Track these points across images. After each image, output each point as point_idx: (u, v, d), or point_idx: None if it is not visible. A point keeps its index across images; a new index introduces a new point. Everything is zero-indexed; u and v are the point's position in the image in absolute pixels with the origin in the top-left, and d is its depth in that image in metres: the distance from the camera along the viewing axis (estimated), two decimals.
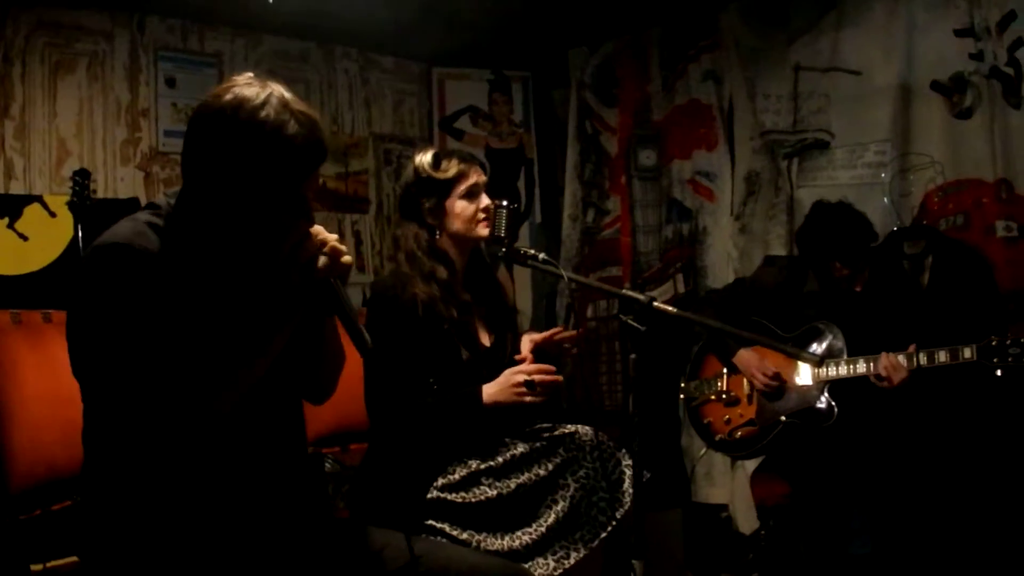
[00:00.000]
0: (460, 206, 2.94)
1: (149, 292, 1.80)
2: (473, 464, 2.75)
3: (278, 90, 1.90)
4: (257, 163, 1.84)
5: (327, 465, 3.90)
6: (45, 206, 4.46)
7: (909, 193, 4.47)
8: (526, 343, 3.09)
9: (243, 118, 1.84)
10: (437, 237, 2.95)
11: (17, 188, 4.47)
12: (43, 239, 4.40)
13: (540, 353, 3.07)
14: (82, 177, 4.08)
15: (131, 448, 1.88)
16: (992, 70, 4.19)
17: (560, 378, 2.82)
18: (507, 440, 2.84)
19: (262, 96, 1.87)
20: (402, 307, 2.81)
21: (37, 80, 4.59)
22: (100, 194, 4.58)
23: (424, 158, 2.95)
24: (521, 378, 2.78)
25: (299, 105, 1.90)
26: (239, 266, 1.94)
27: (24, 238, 4.38)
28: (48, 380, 3.16)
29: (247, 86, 1.89)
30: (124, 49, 4.85)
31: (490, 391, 2.79)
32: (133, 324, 1.78)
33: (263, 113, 1.84)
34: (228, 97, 1.86)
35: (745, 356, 3.82)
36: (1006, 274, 4.10)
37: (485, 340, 3.01)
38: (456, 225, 2.95)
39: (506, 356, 3.01)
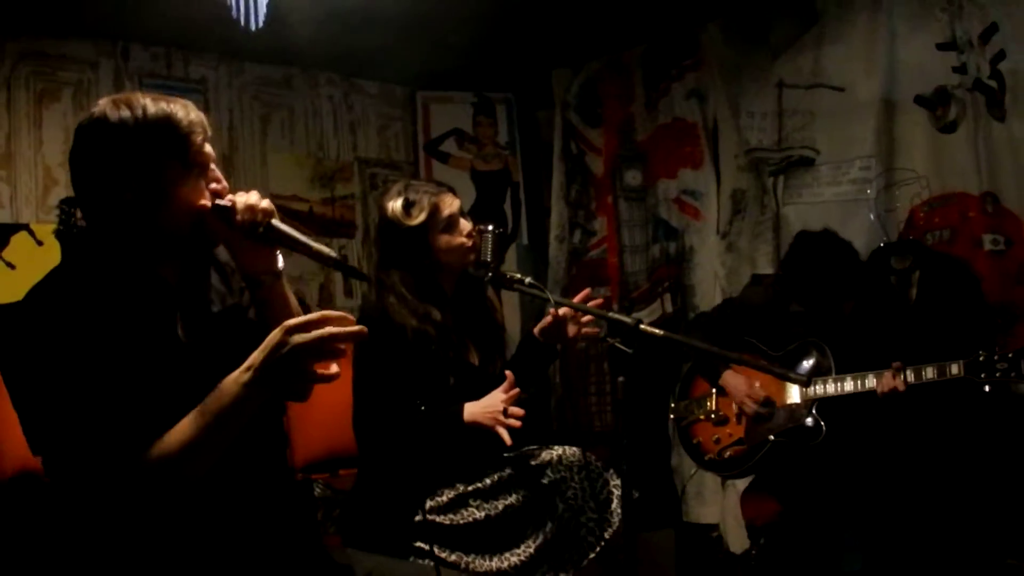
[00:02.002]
0: (444, 240, 2.94)
1: (77, 343, 1.76)
2: (461, 486, 2.75)
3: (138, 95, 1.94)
4: (135, 152, 1.86)
5: (317, 490, 3.89)
6: (32, 235, 4.45)
7: (895, 208, 4.47)
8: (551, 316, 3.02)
9: (113, 120, 1.86)
10: (425, 273, 2.94)
11: (4, 217, 4.46)
12: (31, 268, 4.37)
13: (546, 333, 3.05)
14: (69, 205, 4.08)
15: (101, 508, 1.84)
16: (975, 83, 4.20)
17: (518, 423, 2.76)
18: (494, 462, 2.84)
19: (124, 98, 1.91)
20: (391, 331, 2.82)
21: (23, 109, 4.58)
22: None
23: (395, 206, 2.93)
24: (502, 406, 2.75)
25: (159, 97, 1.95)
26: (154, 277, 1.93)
27: (12, 267, 4.37)
28: None
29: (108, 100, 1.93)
30: (109, 77, 4.84)
31: (472, 410, 2.78)
32: (70, 381, 1.76)
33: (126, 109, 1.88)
34: (96, 110, 1.90)
35: (732, 381, 3.80)
36: (993, 287, 4.09)
37: (474, 360, 3.01)
38: (447, 259, 2.95)
39: (494, 376, 3.00)
